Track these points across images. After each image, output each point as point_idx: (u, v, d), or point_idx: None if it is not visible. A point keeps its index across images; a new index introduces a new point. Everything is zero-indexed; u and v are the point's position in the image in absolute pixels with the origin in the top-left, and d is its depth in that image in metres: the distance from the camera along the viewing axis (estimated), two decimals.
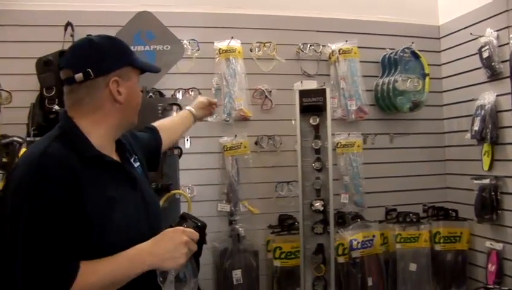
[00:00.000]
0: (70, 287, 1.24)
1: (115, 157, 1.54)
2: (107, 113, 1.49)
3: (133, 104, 1.55)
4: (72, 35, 3.33)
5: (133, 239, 1.39)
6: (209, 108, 2.41)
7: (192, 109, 2.31)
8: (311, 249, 3.13)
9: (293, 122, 3.20)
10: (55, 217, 1.27)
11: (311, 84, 3.11)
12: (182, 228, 1.43)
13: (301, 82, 3.12)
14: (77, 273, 1.26)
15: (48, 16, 3.36)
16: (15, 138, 2.63)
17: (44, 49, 3.24)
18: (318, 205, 3.07)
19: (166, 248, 1.37)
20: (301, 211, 3.07)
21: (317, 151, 3.11)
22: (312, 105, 3.04)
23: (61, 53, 3.21)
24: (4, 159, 2.51)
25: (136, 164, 1.63)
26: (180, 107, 3.02)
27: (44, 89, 3.17)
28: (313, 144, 3.10)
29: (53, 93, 3.15)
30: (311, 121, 3.09)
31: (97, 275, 1.29)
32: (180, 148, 3.04)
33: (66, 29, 3.34)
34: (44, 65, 3.21)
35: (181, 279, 1.45)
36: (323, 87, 3.06)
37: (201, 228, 1.48)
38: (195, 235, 1.43)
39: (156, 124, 2.10)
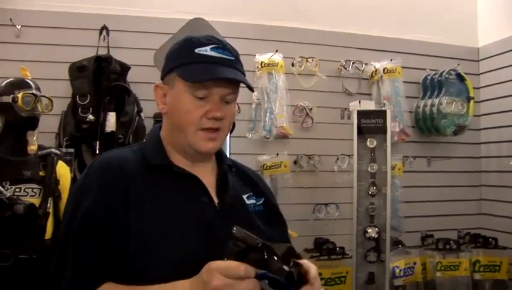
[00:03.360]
0: None
1: (209, 178, 1.31)
2: (163, 125, 1.34)
3: (175, 118, 1.26)
4: (105, 40, 3.14)
5: (180, 269, 1.10)
6: None
7: None
8: (362, 277, 2.97)
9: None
10: (88, 222, 1.14)
11: (369, 105, 2.97)
12: (218, 264, 0.98)
13: (359, 102, 2.98)
14: None
15: (82, 19, 3.18)
16: (52, 150, 2.39)
17: (77, 53, 3.07)
18: (372, 231, 2.91)
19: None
20: (355, 237, 2.91)
21: (373, 175, 2.96)
22: (370, 127, 2.89)
23: (98, 59, 3.03)
24: (41, 173, 2.27)
25: (250, 201, 1.37)
26: (233, 124, 2.85)
27: (77, 96, 2.98)
28: (368, 168, 2.94)
29: (87, 101, 2.96)
30: (368, 143, 2.94)
31: None
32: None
33: (101, 34, 3.15)
34: (78, 71, 3.03)
35: None
36: (384, 108, 2.92)
37: (254, 249, 0.95)
38: (236, 269, 0.94)
39: None
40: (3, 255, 2.04)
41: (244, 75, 1.28)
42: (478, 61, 3.99)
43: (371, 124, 2.91)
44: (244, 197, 1.36)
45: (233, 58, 1.25)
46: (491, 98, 3.85)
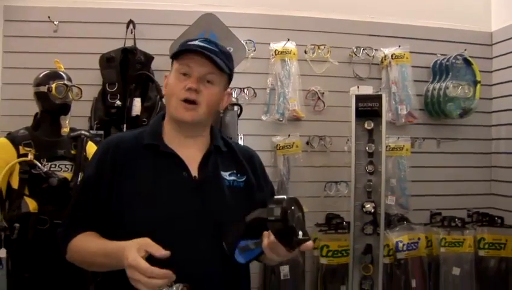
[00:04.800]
0: (66, 246, 1.51)
1: (196, 156, 1.58)
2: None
3: (167, 94, 1.57)
4: (132, 33, 3.46)
5: (151, 230, 1.38)
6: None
7: None
8: (360, 249, 3.23)
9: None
10: (85, 184, 1.57)
11: (367, 90, 3.19)
12: (135, 261, 1.26)
13: (357, 87, 3.20)
14: (72, 238, 1.49)
15: (111, 14, 3.51)
16: (83, 132, 2.75)
17: (106, 46, 3.40)
18: (369, 206, 3.16)
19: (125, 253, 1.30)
20: (352, 211, 3.17)
21: (370, 154, 3.20)
22: (367, 110, 3.12)
23: (124, 50, 3.37)
24: (73, 152, 2.64)
25: (230, 178, 1.62)
26: (241, 107, 3.14)
27: (107, 84, 3.32)
28: (366, 148, 3.18)
29: (115, 88, 3.30)
30: (365, 125, 3.18)
31: (82, 248, 1.47)
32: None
33: (127, 27, 3.47)
34: (106, 61, 3.36)
35: None
36: (380, 93, 3.13)
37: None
38: (142, 269, 1.25)
39: None
40: (41, 220, 2.45)
41: (227, 66, 1.56)
42: (491, 45, 4.08)
43: (368, 108, 3.13)
44: (226, 173, 1.62)
45: (217, 50, 1.55)
46: (503, 82, 3.96)
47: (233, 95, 3.53)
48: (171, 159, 1.55)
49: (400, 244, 3.48)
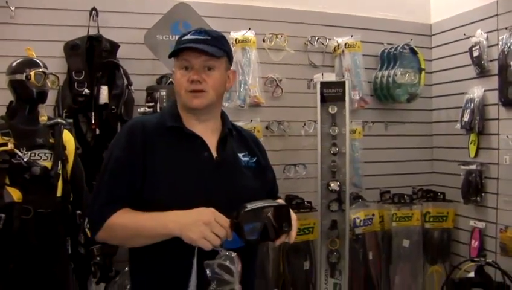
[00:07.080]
0: (102, 224, 1.55)
1: (212, 138, 1.70)
2: None
3: (177, 87, 1.67)
4: (95, 20, 3.44)
5: (180, 204, 1.50)
6: None
7: None
8: (327, 225, 3.45)
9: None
10: (116, 165, 1.60)
11: (330, 77, 3.40)
12: (215, 211, 1.45)
13: (322, 74, 3.40)
14: (111, 215, 1.54)
15: (73, 1, 3.45)
16: (59, 120, 2.75)
17: (70, 33, 3.36)
18: (334, 185, 3.38)
19: (189, 219, 1.43)
20: (319, 190, 3.39)
21: (334, 137, 3.42)
22: (332, 95, 3.33)
23: (89, 38, 3.35)
24: (51, 140, 2.63)
25: (245, 159, 1.75)
26: None
27: (73, 72, 3.29)
28: (330, 131, 3.40)
29: (82, 76, 3.28)
30: (329, 109, 3.39)
31: (126, 220, 1.54)
32: None
33: (90, 14, 3.44)
34: (71, 49, 3.33)
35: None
36: (343, 79, 3.35)
37: (236, 223, 1.42)
38: (223, 221, 1.42)
39: None
40: (25, 209, 2.44)
41: (221, 49, 1.66)
42: (431, 36, 4.44)
43: (332, 93, 3.35)
44: (240, 155, 1.75)
45: (208, 37, 1.66)
46: (441, 70, 4.33)
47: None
48: (194, 140, 1.66)
49: (358, 221, 3.76)
